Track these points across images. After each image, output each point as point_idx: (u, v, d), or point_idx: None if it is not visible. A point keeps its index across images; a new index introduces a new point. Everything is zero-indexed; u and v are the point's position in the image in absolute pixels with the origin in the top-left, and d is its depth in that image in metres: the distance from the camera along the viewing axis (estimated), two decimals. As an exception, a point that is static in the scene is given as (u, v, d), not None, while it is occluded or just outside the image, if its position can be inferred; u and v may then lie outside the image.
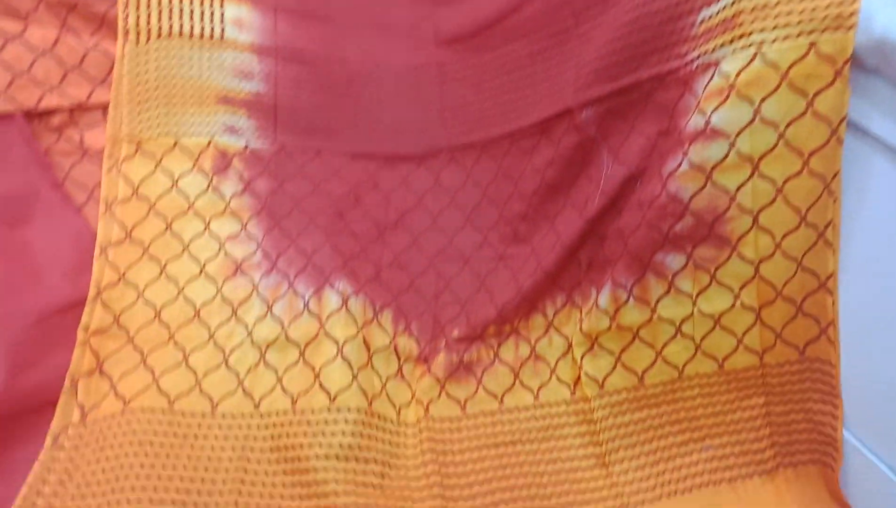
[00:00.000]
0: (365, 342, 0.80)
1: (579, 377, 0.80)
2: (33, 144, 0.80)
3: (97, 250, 0.78)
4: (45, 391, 0.70)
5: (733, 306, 0.75)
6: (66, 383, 0.71)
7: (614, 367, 0.79)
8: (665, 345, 0.78)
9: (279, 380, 0.77)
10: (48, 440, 0.68)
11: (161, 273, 0.80)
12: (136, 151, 0.84)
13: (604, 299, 0.80)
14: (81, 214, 0.80)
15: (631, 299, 0.78)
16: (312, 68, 0.92)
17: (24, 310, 0.71)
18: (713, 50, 0.72)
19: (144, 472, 0.67)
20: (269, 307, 0.80)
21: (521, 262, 0.85)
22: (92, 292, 0.76)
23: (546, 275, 0.82)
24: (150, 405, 0.72)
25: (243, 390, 0.76)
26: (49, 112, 0.82)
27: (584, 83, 0.82)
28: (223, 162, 0.86)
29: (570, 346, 0.82)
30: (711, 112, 0.70)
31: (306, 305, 0.81)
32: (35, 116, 0.81)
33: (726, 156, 0.70)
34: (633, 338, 0.79)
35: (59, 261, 0.76)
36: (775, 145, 0.68)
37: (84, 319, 0.74)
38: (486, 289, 0.86)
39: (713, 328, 0.76)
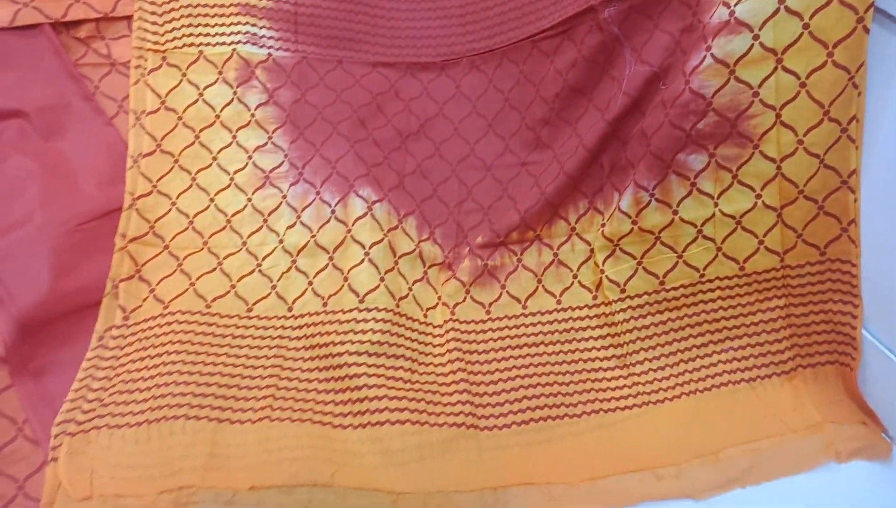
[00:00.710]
0: (391, 246, 0.82)
1: (601, 282, 0.81)
2: (63, 56, 0.81)
3: (129, 162, 0.80)
4: (86, 295, 0.73)
5: (755, 206, 0.75)
6: (108, 286, 0.74)
7: (636, 270, 0.80)
8: (686, 247, 0.79)
9: (310, 283, 0.79)
10: (94, 340, 0.72)
11: (192, 183, 0.82)
12: (162, 62, 0.85)
13: (626, 202, 0.80)
14: (112, 125, 0.82)
15: (653, 201, 0.79)
16: (332, -26, 0.91)
17: (63, 218, 0.73)
18: (738, -58, 0.70)
19: (186, 369, 0.71)
20: (298, 215, 0.82)
21: (544, 168, 0.86)
22: (127, 201, 0.78)
23: (568, 180, 0.83)
24: (188, 308, 0.76)
25: (276, 293, 0.78)
26: (76, 23, 0.83)
27: (608, -20, 0.80)
28: (246, 72, 0.87)
29: (591, 251, 0.83)
30: (735, 4, 0.69)
31: (333, 212, 0.83)
32: (62, 27, 0.82)
33: (750, 49, 0.69)
34: (655, 241, 0.80)
35: (93, 171, 0.78)
36: (799, 37, 0.67)
37: (121, 226, 0.77)
38: (509, 196, 0.87)
39: (734, 229, 0.77)
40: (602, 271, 0.81)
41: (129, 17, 0.85)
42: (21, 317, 0.67)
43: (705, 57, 0.71)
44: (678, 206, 0.78)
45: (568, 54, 0.85)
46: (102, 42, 0.84)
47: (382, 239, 0.82)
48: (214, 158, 0.84)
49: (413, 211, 0.86)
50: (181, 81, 0.85)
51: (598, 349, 0.80)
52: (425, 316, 0.81)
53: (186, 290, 0.77)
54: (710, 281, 0.79)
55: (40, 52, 0.80)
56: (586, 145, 0.82)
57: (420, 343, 0.78)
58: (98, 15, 0.84)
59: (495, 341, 0.80)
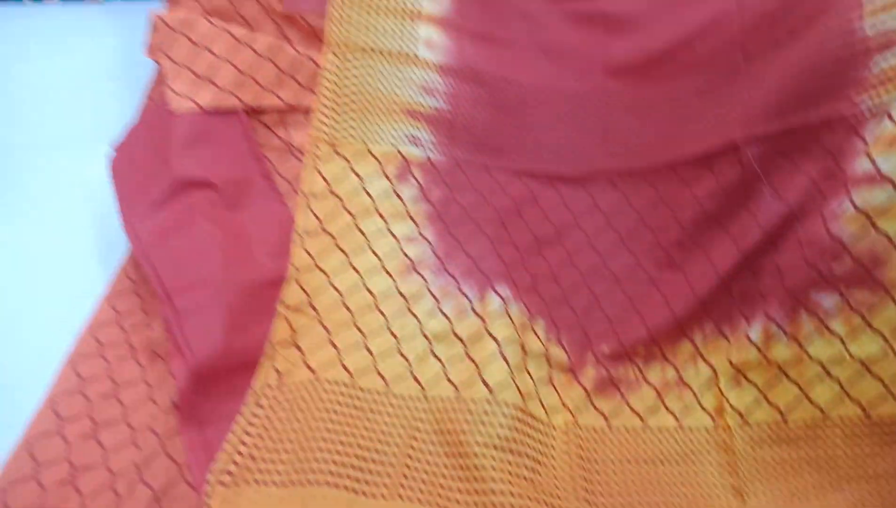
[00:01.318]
0: (522, 345, 0.86)
1: (723, 407, 0.83)
2: (251, 138, 0.91)
3: (295, 237, 0.88)
4: (250, 354, 0.79)
5: (885, 353, 0.76)
6: (267, 349, 0.81)
7: (759, 401, 0.82)
8: (812, 385, 0.80)
9: (444, 370, 0.84)
10: (250, 398, 0.78)
11: (347, 263, 0.89)
12: (332, 152, 0.94)
13: (754, 332, 0.83)
14: (285, 203, 0.91)
15: (782, 334, 0.81)
16: (488, 89, 1.00)
17: (239, 281, 0.81)
18: (886, 97, 0.75)
19: (329, 437, 0.75)
20: (439, 304, 0.88)
21: (674, 288, 0.89)
22: (290, 272, 0.86)
23: (698, 303, 0.86)
24: (334, 378, 0.81)
25: (413, 375, 0.83)
26: (264, 111, 0.93)
27: (751, 120, 0.86)
28: (405, 169, 0.95)
29: (715, 375, 0.85)
30: (879, 158, 0.73)
31: (471, 305, 0.88)
32: (253, 113, 0.93)
33: (891, 203, 0.72)
34: (781, 374, 0.81)
35: (266, 242, 0.86)
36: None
37: (283, 295, 0.84)
38: (637, 310, 0.90)
39: (862, 373, 0.78)
40: (725, 398, 0.83)
41: (308, 109, 0.96)
42: (196, 369, 0.74)
43: (845, 204, 0.75)
44: (807, 343, 0.80)
45: (706, 183, 0.90)
46: (284, 129, 0.95)
47: (515, 337, 0.86)
48: (368, 243, 0.91)
49: (543, 313, 0.90)
50: (347, 170, 0.94)
51: (716, 475, 0.80)
52: (548, 417, 0.84)
53: (334, 362, 0.82)
54: (834, 421, 0.80)
55: (233, 133, 0.90)
56: (718, 272, 0.86)
57: (543, 444, 0.81)
58: (284, 106, 0.94)
59: (615, 452, 0.82)
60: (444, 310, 0.88)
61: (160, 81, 0.93)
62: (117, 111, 1.22)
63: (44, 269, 0.98)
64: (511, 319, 0.87)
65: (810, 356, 0.80)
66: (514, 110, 1.00)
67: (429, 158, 0.96)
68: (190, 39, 0.90)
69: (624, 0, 1.00)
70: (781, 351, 0.81)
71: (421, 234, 0.93)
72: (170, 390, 0.79)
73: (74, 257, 0.99)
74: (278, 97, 0.94)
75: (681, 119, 0.94)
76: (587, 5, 1.02)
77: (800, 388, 0.80)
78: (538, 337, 0.88)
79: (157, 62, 0.94)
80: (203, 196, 0.86)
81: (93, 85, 1.28)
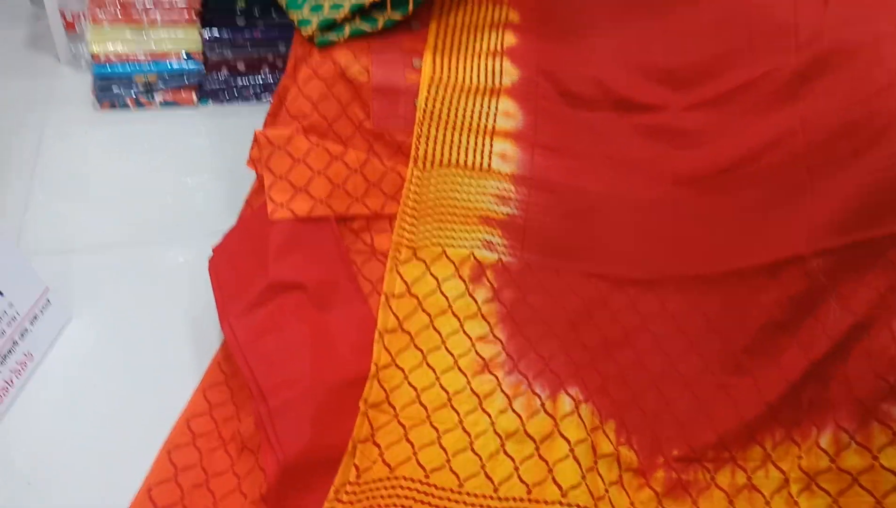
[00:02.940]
0: (592, 446, 0.89)
1: (794, 513, 0.83)
2: (340, 243, 0.99)
3: (376, 335, 0.94)
4: (335, 451, 0.84)
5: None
6: (349, 446, 0.86)
7: (832, 508, 0.82)
8: (886, 495, 0.80)
9: (516, 469, 0.87)
10: (331, 493, 0.82)
11: (423, 361, 0.94)
12: (412, 256, 1.01)
13: (825, 439, 0.83)
14: (367, 303, 0.97)
15: (853, 443, 0.81)
16: (558, 197, 1.06)
17: (327, 380, 0.87)
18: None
19: (405, 532, 0.79)
20: (510, 403, 0.92)
21: (743, 393, 0.91)
22: (372, 370, 0.91)
23: (768, 408, 0.87)
24: (410, 475, 0.85)
25: (485, 473, 0.86)
26: (352, 218, 1.01)
27: (817, 234, 0.89)
28: (478, 272, 1.01)
29: (786, 481, 0.86)
30: None
31: (542, 404, 0.92)
32: (342, 219, 1.01)
33: None
34: (853, 482, 0.81)
35: (350, 340, 0.93)
36: None
37: (365, 393, 0.90)
38: (706, 414, 0.92)
39: (936, 484, 0.78)
40: (796, 503, 0.83)
41: (391, 216, 1.03)
42: (285, 464, 0.80)
43: None
44: (879, 452, 0.80)
45: (773, 293, 0.92)
46: (368, 234, 1.03)
47: (586, 438, 0.89)
48: (443, 342, 0.96)
49: (613, 415, 0.93)
50: (425, 272, 1.00)
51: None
52: (619, 520, 0.85)
53: (409, 458, 0.87)
54: (907, 531, 0.79)
55: (324, 238, 0.98)
56: (788, 379, 0.87)
57: (614, 546, 0.82)
58: (370, 213, 1.02)
59: (685, 556, 0.83)
60: (516, 408, 0.91)
61: (259, 189, 1.03)
62: (207, 204, 1.34)
63: (142, 358, 1.07)
64: (582, 419, 0.90)
65: (883, 466, 0.80)
66: (584, 217, 1.05)
67: (501, 261, 1.02)
68: (289, 154, 0.99)
69: (689, 115, 1.06)
70: (853, 460, 0.81)
71: (493, 334, 0.97)
72: (258, 482, 0.85)
73: (171, 348, 1.08)
74: (366, 205, 1.02)
75: (746, 229, 0.97)
76: (653, 119, 1.08)
77: (873, 497, 0.80)
78: (609, 439, 0.91)
79: (257, 173, 1.04)
80: (295, 298, 0.93)
81: (188, 182, 1.41)
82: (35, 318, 1.01)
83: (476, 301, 0.99)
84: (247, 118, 1.57)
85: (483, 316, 0.98)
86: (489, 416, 0.91)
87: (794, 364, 0.88)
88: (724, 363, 0.94)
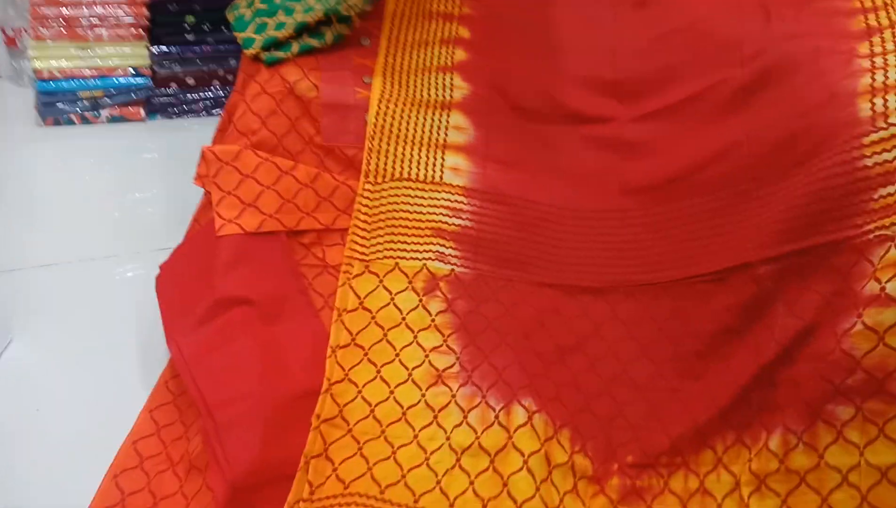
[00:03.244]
0: (546, 456, 0.89)
1: (745, 515, 0.84)
2: (290, 257, 0.98)
3: (329, 351, 0.93)
4: (286, 467, 0.83)
5: (901, 460, 0.78)
6: (302, 461, 0.84)
7: (780, 508, 0.83)
8: (831, 492, 0.81)
9: (471, 484, 0.86)
10: (284, 510, 0.81)
11: (377, 375, 0.93)
12: (365, 270, 1.00)
13: (774, 442, 0.85)
14: (319, 317, 0.96)
15: (800, 444, 0.83)
16: (511, 208, 1.07)
17: (276, 395, 0.86)
18: (890, 225, 0.80)
19: (359, 549, 0.78)
20: (465, 416, 0.91)
21: (695, 397, 0.92)
22: (324, 385, 0.90)
23: (719, 413, 0.88)
24: (364, 491, 0.84)
25: (440, 489, 0.86)
26: (303, 232, 1.00)
27: (764, 241, 0.91)
28: (432, 284, 1.01)
29: (737, 484, 0.86)
30: (887, 281, 0.77)
31: (497, 417, 0.91)
32: (292, 234, 0.99)
33: None
34: (800, 482, 0.83)
35: (300, 355, 0.91)
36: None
37: (317, 408, 0.88)
38: (659, 419, 0.92)
39: (880, 480, 0.79)
40: (747, 505, 0.84)
41: (343, 230, 1.03)
42: (234, 482, 0.78)
43: (856, 323, 0.79)
44: (825, 451, 0.82)
45: (723, 298, 0.94)
46: (320, 248, 1.02)
47: (540, 449, 0.89)
48: (397, 355, 0.95)
49: (567, 423, 0.93)
50: (378, 286, 0.99)
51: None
52: (574, 529, 0.85)
53: (364, 474, 0.85)
54: (855, 529, 0.81)
55: (273, 252, 0.97)
56: (738, 383, 0.88)
57: (570, 557, 0.82)
58: (321, 227, 1.02)
59: (642, 563, 0.83)
60: (471, 422, 0.91)
61: (207, 206, 1.01)
62: (156, 220, 1.32)
63: (87, 377, 1.03)
64: (535, 430, 0.90)
65: (829, 465, 0.82)
66: (536, 228, 1.06)
67: (454, 272, 1.02)
68: (238, 169, 0.98)
69: (637, 127, 1.07)
70: (800, 459, 0.83)
71: (447, 344, 0.97)
72: (207, 503, 0.82)
73: (117, 368, 1.05)
74: (317, 220, 1.01)
75: (695, 237, 0.99)
76: (602, 131, 1.09)
77: (819, 495, 0.82)
78: (563, 448, 0.91)
79: (205, 189, 1.02)
80: (242, 312, 0.92)
81: (136, 197, 1.38)
82: (-28, 340, 0.97)
83: (429, 313, 0.99)
84: (197, 133, 1.56)
85: (437, 327, 0.98)
86: (444, 430, 0.90)
87: (743, 369, 0.89)
88: (675, 367, 0.95)
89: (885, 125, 0.82)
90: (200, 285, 0.95)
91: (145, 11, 1.46)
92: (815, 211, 0.86)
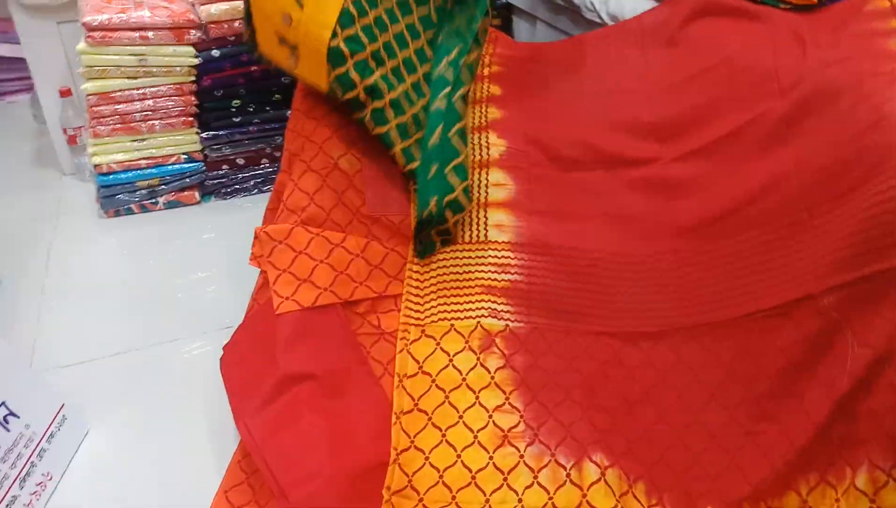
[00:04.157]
0: (623, 512, 0.87)
1: (839, 560, 0.81)
2: (347, 328, 0.99)
3: (393, 418, 0.94)
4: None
5: None
6: (375, 535, 0.84)
7: (879, 550, 0.79)
8: (931, 530, 0.77)
9: (547, 546, 0.85)
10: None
11: (442, 439, 0.93)
12: (421, 334, 1.01)
13: (861, 479, 0.81)
14: (380, 385, 0.97)
15: (891, 481, 0.79)
16: (559, 258, 1.07)
17: (346, 470, 0.86)
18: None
19: None
20: (535, 476, 0.90)
21: (771, 440, 0.89)
22: (392, 455, 0.90)
23: (799, 453, 0.85)
24: (440, 561, 0.83)
25: (516, 553, 0.84)
26: (357, 302, 1.02)
27: (824, 271, 0.88)
28: (487, 340, 1.01)
29: (828, 526, 0.83)
30: None
31: (568, 475, 0.90)
32: (347, 304, 1.01)
33: None
34: (898, 522, 0.79)
35: (367, 426, 0.92)
36: None
37: (387, 479, 0.88)
38: (737, 465, 0.90)
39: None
40: (840, 550, 0.81)
41: (396, 296, 1.04)
42: (311, 561, 0.78)
43: None
44: (920, 487, 0.78)
45: (788, 334, 0.91)
46: (375, 315, 1.03)
47: (615, 505, 0.87)
48: (461, 417, 0.95)
49: (642, 476, 0.91)
50: (435, 349, 1.00)
51: None
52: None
53: (439, 543, 0.85)
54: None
55: (331, 325, 0.99)
56: (814, 420, 0.85)
57: None
58: (375, 295, 1.03)
59: None
60: (542, 482, 0.90)
61: (264, 285, 1.04)
62: (218, 298, 1.36)
63: (162, 462, 1.06)
64: (609, 486, 0.88)
65: (927, 502, 0.78)
66: (587, 276, 1.05)
67: (508, 327, 1.02)
68: (291, 247, 1.01)
69: (680, 166, 1.07)
70: (893, 498, 0.79)
71: (509, 402, 0.96)
72: (286, 582, 0.83)
73: (190, 449, 1.07)
74: (370, 288, 1.03)
75: (752, 272, 0.97)
76: (645, 173, 1.09)
77: None
78: (640, 502, 0.88)
79: (261, 269, 1.05)
80: (307, 388, 0.93)
81: (197, 278, 1.43)
82: (52, 436, 1.01)
83: (488, 370, 0.99)
84: (250, 211, 1.62)
85: (497, 384, 0.98)
86: (516, 493, 0.89)
87: (818, 405, 0.86)
88: (747, 410, 0.92)
89: (938, 145, 0.80)
90: (264, 364, 0.97)
91: (193, 99, 1.53)
92: (874, 236, 0.84)
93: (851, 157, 0.89)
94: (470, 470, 0.91)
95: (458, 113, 1.07)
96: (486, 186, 1.09)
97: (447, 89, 1.07)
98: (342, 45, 1.00)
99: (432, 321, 1.02)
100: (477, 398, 0.97)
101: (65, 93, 1.60)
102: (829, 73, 0.94)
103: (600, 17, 1.37)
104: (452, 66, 1.09)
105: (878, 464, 0.80)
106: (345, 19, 1.01)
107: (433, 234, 1.06)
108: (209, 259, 1.47)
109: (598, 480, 0.89)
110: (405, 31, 1.09)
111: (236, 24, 1.49)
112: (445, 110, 1.05)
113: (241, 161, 1.63)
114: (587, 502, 0.87)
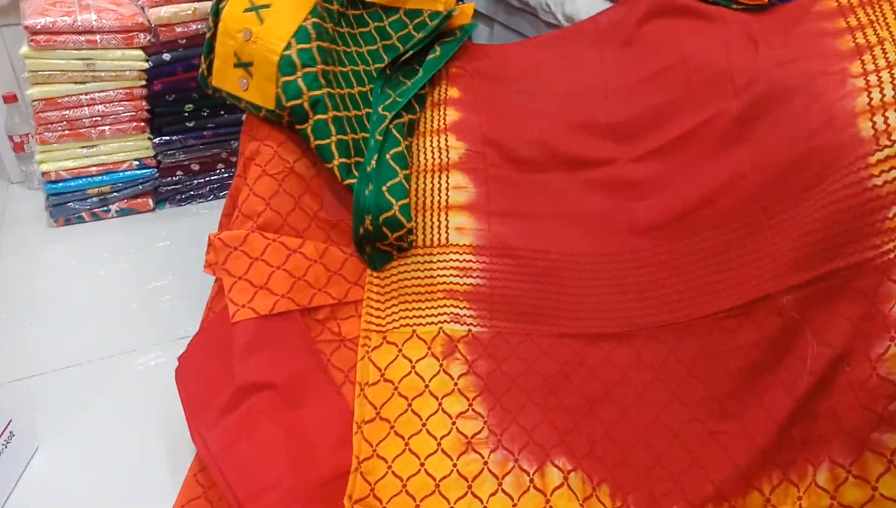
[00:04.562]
0: (588, 516, 0.86)
1: (801, 557, 0.81)
2: (306, 335, 0.97)
3: (355, 427, 0.92)
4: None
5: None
6: (337, 546, 0.82)
7: (838, 546, 0.80)
8: (893, 524, 0.78)
9: (512, 553, 0.84)
10: None
11: (405, 448, 0.91)
12: (383, 341, 0.99)
13: (822, 477, 0.82)
14: (341, 393, 0.95)
15: (850, 477, 0.80)
16: (520, 261, 1.06)
17: (306, 481, 0.84)
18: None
19: None
20: (500, 483, 0.89)
21: (732, 438, 0.89)
22: (353, 464, 0.88)
23: (761, 452, 0.86)
24: (403, 571, 0.81)
25: (482, 562, 0.83)
26: (317, 308, 1.00)
27: (782, 271, 0.89)
28: (450, 346, 1.00)
29: (788, 524, 0.84)
30: None
31: (531, 481, 0.89)
32: (306, 311, 0.99)
33: None
34: (858, 516, 0.80)
35: (327, 436, 0.90)
36: None
37: (349, 489, 0.86)
38: (699, 464, 0.90)
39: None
40: (803, 546, 0.81)
41: (356, 302, 1.02)
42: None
43: (889, 346, 0.77)
44: (877, 482, 0.79)
45: (749, 334, 0.92)
46: (335, 322, 1.01)
47: (580, 509, 0.86)
48: (424, 425, 0.94)
49: (605, 478, 0.90)
50: (397, 356, 0.98)
51: None
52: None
53: (402, 553, 0.83)
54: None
55: (289, 332, 0.96)
56: (776, 419, 0.86)
57: None
58: (334, 301, 1.01)
59: None
60: (506, 489, 0.88)
61: (220, 292, 1.01)
62: (173, 308, 1.32)
63: (116, 477, 1.02)
64: (573, 490, 0.88)
65: (884, 496, 0.78)
66: (548, 278, 1.05)
67: (471, 332, 1.01)
68: (246, 253, 0.98)
69: (638, 166, 1.07)
70: (853, 493, 0.79)
71: (473, 409, 0.95)
72: None
73: (145, 463, 1.04)
74: (329, 294, 1.01)
75: (712, 272, 0.97)
76: (603, 174, 1.09)
77: None
78: (603, 505, 0.88)
79: (216, 276, 1.02)
80: (265, 398, 0.91)
81: (151, 287, 1.39)
82: (-2, 454, 0.97)
83: (451, 377, 0.98)
84: (206, 218, 1.58)
85: (460, 391, 0.97)
86: (480, 500, 0.88)
87: (779, 404, 0.86)
88: (709, 408, 0.93)
89: (888, 143, 0.81)
90: (220, 374, 0.94)
91: (144, 104, 1.49)
92: (830, 235, 0.85)
93: (805, 156, 0.90)
94: (434, 478, 0.89)
95: (396, 138, 1.07)
96: (447, 189, 1.08)
97: (383, 124, 1.06)
98: (294, 56, 1.02)
99: (394, 328, 1.00)
100: (440, 404, 0.96)
101: (9, 99, 1.54)
102: (781, 72, 0.95)
103: (556, 19, 1.38)
104: (388, 110, 1.09)
105: (838, 461, 0.81)
106: (301, 35, 1.04)
107: (377, 248, 1.05)
108: (164, 268, 1.44)
109: (561, 485, 0.88)
110: (353, 75, 1.12)
111: (191, 26, 1.45)
112: (383, 140, 1.06)
113: (195, 166, 1.59)
114: (550, 507, 0.86)
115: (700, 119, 1.02)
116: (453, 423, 0.94)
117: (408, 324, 1.00)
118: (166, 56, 1.46)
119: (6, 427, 0.99)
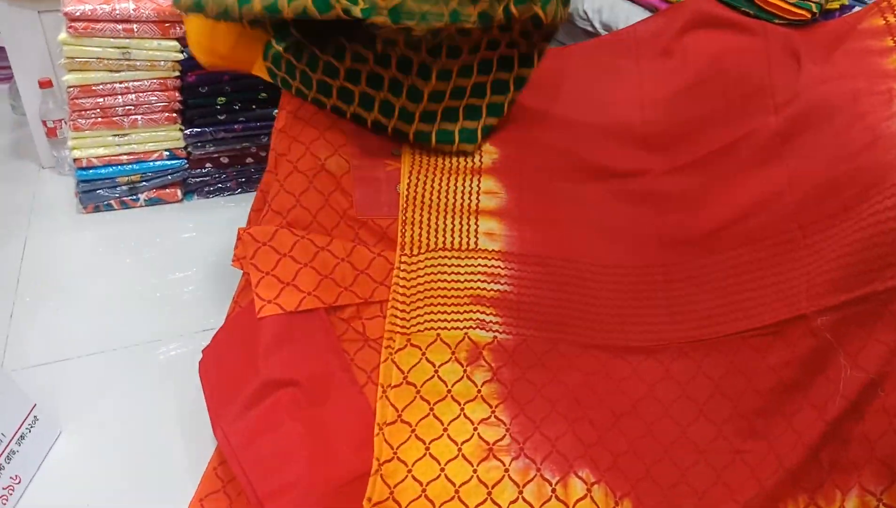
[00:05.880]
0: (609, 530, 0.85)
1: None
2: (331, 334, 0.97)
3: (376, 429, 0.91)
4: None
5: None
6: (354, 549, 0.82)
7: (862, 576, 0.78)
8: (921, 556, 0.76)
9: (530, 563, 0.83)
10: None
11: (426, 452, 0.91)
12: (407, 343, 0.98)
13: (851, 503, 0.80)
14: (363, 393, 0.94)
15: (881, 505, 0.78)
16: (549, 269, 1.05)
17: (326, 480, 0.83)
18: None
19: None
20: (521, 491, 0.88)
21: (760, 458, 0.88)
22: (374, 466, 0.88)
23: (788, 474, 0.84)
24: (420, 575, 0.81)
25: (500, 569, 0.82)
26: (342, 307, 0.99)
27: (818, 291, 0.87)
28: (475, 353, 0.99)
29: (814, 550, 0.82)
30: None
31: (553, 490, 0.88)
32: (331, 309, 0.99)
33: None
34: (886, 548, 0.78)
35: (348, 436, 0.89)
36: None
37: (368, 491, 0.86)
38: (724, 483, 0.88)
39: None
40: (827, 573, 0.80)
41: (382, 302, 1.02)
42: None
43: None
44: (910, 513, 0.77)
45: (780, 353, 0.90)
46: (360, 321, 1.00)
47: (601, 522, 0.85)
48: (445, 430, 0.93)
49: (629, 493, 0.89)
50: (421, 359, 0.98)
51: None
52: None
53: (419, 558, 0.82)
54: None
55: (314, 330, 0.96)
56: (805, 441, 0.84)
57: None
58: (360, 300, 1.01)
59: None
60: (527, 497, 0.88)
61: (247, 287, 1.01)
62: (197, 299, 1.33)
63: (136, 466, 1.03)
64: (595, 503, 0.86)
65: (916, 529, 0.77)
66: (576, 287, 1.04)
67: (496, 339, 1.00)
68: (274, 249, 0.98)
69: (670, 179, 1.06)
70: (884, 522, 0.78)
71: (495, 415, 0.94)
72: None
73: (165, 453, 1.04)
74: (355, 293, 1.00)
75: (743, 289, 0.96)
76: (634, 185, 1.08)
77: None
78: (625, 520, 0.87)
79: (244, 271, 1.02)
80: (288, 394, 0.90)
81: (176, 278, 1.39)
82: (22, 438, 0.97)
83: (475, 383, 0.97)
84: (233, 211, 1.58)
85: (483, 398, 0.96)
86: (500, 507, 0.87)
87: (809, 426, 0.85)
88: (736, 427, 0.91)
89: (934, 166, 0.79)
90: (244, 369, 0.94)
91: (177, 95, 1.50)
92: (869, 257, 0.83)
93: (845, 176, 0.88)
94: (454, 484, 0.89)
95: None
96: (478, 193, 1.07)
97: None
98: None
99: (418, 330, 1.00)
100: (462, 410, 0.95)
101: (45, 84, 1.56)
102: (824, 90, 0.94)
103: (594, 27, 1.36)
104: None
105: (868, 488, 0.79)
106: None
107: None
108: (189, 259, 1.44)
109: (584, 497, 0.87)
110: None
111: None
112: None
113: (224, 160, 1.60)
114: (572, 519, 0.85)
115: (738, 133, 1.01)
116: (475, 429, 0.93)
117: (432, 327, 1.00)
118: (201, 48, 1.47)
119: (30, 412, 0.99)
